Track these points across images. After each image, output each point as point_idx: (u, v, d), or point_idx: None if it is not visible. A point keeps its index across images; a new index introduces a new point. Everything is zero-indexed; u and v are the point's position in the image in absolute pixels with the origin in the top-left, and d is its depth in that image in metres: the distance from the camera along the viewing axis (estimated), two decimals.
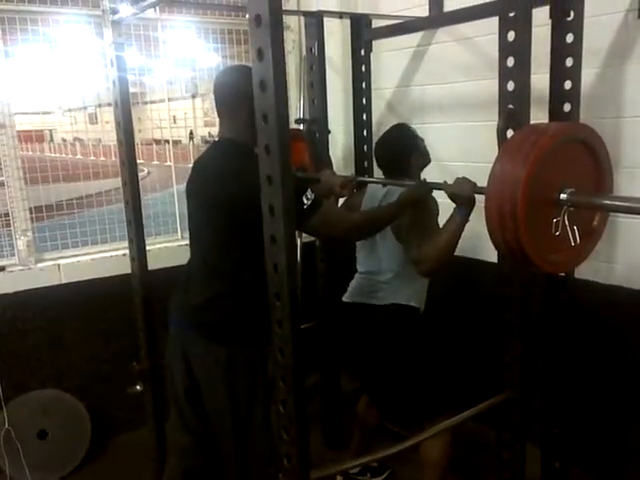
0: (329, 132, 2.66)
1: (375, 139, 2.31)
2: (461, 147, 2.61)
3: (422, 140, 2.20)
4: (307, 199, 1.59)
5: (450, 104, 2.66)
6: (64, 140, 6.07)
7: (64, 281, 2.67)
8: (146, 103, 3.86)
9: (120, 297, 2.39)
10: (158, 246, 2.92)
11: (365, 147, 2.64)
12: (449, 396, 2.12)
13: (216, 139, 1.80)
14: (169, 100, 3.14)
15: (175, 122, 3.42)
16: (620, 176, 2.06)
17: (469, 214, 1.79)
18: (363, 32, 2.57)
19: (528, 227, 1.25)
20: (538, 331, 1.88)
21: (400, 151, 2.15)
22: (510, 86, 1.55)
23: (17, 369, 2.60)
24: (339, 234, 1.78)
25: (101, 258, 2.78)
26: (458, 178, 1.78)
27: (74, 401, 2.70)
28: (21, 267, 2.63)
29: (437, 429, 1.71)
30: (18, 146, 2.59)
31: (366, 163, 2.63)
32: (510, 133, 1.54)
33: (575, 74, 1.71)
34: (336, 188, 2.14)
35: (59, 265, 2.68)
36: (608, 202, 1.33)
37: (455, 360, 2.74)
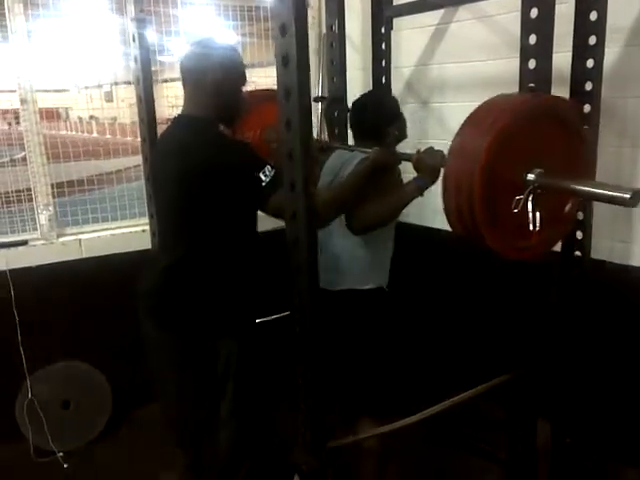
0: (348, 110, 2.65)
1: None
2: None
3: (402, 114, 2.12)
4: (265, 176, 1.45)
5: (470, 83, 2.63)
6: (80, 118, 6.08)
7: (85, 255, 2.73)
8: (165, 81, 3.86)
9: (139, 272, 2.43)
10: None
11: None
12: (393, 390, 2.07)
13: (177, 114, 1.69)
14: None
15: None
16: None
17: (426, 187, 1.71)
18: (384, 9, 2.54)
19: (486, 205, 1.15)
20: (552, 309, 1.89)
21: (383, 116, 2.04)
22: (531, 64, 1.54)
23: (41, 341, 2.66)
24: None
25: (121, 234, 2.82)
26: (431, 147, 1.70)
27: (96, 373, 2.77)
28: (43, 241, 2.68)
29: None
30: (40, 122, 2.62)
31: None
32: None
33: (598, 52, 1.69)
34: None
35: (80, 240, 2.73)
36: (578, 187, 1.18)
37: (465, 338, 2.76)
